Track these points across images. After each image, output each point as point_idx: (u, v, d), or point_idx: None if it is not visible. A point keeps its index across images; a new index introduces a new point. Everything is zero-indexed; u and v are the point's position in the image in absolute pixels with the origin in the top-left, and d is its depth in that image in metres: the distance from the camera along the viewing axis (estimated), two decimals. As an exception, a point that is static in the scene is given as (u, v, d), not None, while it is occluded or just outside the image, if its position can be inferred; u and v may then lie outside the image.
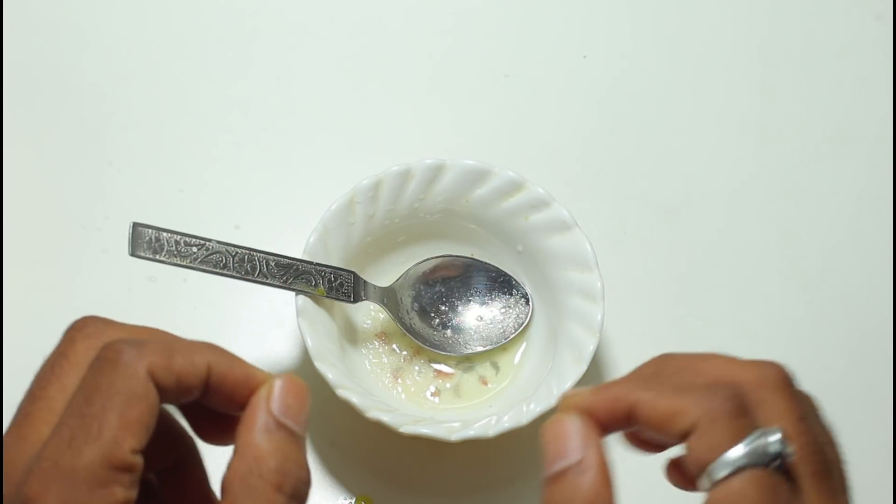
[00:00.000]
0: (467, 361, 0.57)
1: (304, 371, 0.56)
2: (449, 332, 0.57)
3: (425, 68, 0.68)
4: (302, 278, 0.52)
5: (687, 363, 0.44)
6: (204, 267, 0.50)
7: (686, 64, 0.69)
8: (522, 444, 0.55)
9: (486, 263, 0.58)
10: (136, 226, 0.49)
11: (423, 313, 0.57)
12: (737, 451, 0.40)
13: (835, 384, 0.60)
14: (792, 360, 0.60)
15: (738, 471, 0.40)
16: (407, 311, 0.56)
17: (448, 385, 0.56)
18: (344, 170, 0.62)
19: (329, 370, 0.51)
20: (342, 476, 0.55)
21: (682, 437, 0.41)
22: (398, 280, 0.57)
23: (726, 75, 0.68)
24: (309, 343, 0.51)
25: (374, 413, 0.50)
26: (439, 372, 0.56)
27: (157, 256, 0.49)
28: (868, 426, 0.59)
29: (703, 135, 0.67)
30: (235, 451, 0.40)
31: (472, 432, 0.50)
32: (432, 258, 0.58)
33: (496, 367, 0.57)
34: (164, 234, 0.49)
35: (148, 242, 0.49)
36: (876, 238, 0.64)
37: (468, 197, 0.57)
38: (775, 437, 0.40)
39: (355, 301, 0.54)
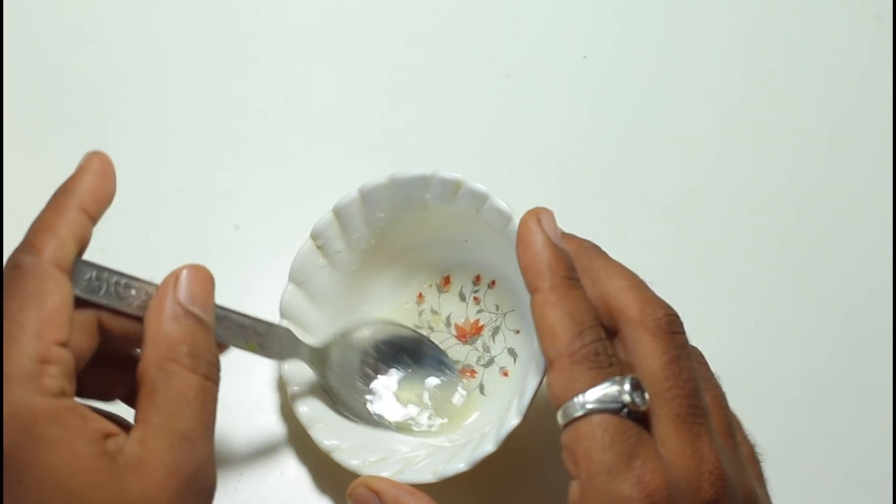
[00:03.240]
0: (487, 355, 0.56)
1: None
2: (373, 405, 0.55)
3: (425, 68, 0.68)
4: (237, 334, 0.49)
5: (599, 272, 0.47)
6: (137, 314, 0.46)
7: (686, 64, 0.69)
8: (524, 442, 0.54)
9: (431, 345, 0.56)
10: (78, 264, 0.45)
11: (350, 380, 0.55)
12: (588, 395, 0.43)
13: (835, 384, 0.60)
14: (792, 359, 0.61)
15: (589, 414, 0.42)
16: (335, 373, 0.54)
17: (474, 385, 0.56)
18: (344, 169, 0.62)
19: (324, 439, 0.52)
20: (348, 477, 0.55)
21: (546, 360, 0.44)
22: (329, 342, 0.54)
23: (726, 75, 0.69)
24: (300, 411, 0.52)
25: (369, 470, 0.51)
26: (464, 372, 0.56)
27: (92, 297, 0.45)
28: (868, 426, 0.59)
29: (703, 134, 0.67)
30: (145, 341, 0.43)
31: (459, 465, 0.50)
32: (370, 324, 0.56)
33: (514, 353, 0.56)
34: (106, 273, 0.46)
35: (87, 281, 0.45)
36: (876, 238, 0.64)
37: (423, 202, 0.55)
38: (627, 385, 0.43)
39: (284, 359, 0.52)
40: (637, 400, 0.43)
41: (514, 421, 0.48)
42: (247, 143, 0.64)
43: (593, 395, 0.42)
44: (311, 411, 0.53)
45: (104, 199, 0.46)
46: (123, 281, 0.46)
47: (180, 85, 0.66)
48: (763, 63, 0.69)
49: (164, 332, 0.43)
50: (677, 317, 0.46)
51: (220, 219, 0.62)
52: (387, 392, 0.55)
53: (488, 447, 0.49)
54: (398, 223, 0.56)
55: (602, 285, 0.46)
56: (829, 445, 0.59)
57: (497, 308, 0.57)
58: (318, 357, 0.53)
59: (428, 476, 0.50)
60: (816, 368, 0.61)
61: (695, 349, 0.48)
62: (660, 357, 0.44)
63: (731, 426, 0.47)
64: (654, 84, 0.68)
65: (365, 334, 0.55)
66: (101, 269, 0.46)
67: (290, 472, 0.55)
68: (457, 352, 0.57)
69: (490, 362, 0.56)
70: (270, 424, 0.56)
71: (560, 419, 0.43)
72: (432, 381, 0.56)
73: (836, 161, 0.66)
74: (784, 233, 0.64)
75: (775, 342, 0.61)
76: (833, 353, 0.61)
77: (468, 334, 0.57)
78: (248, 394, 0.56)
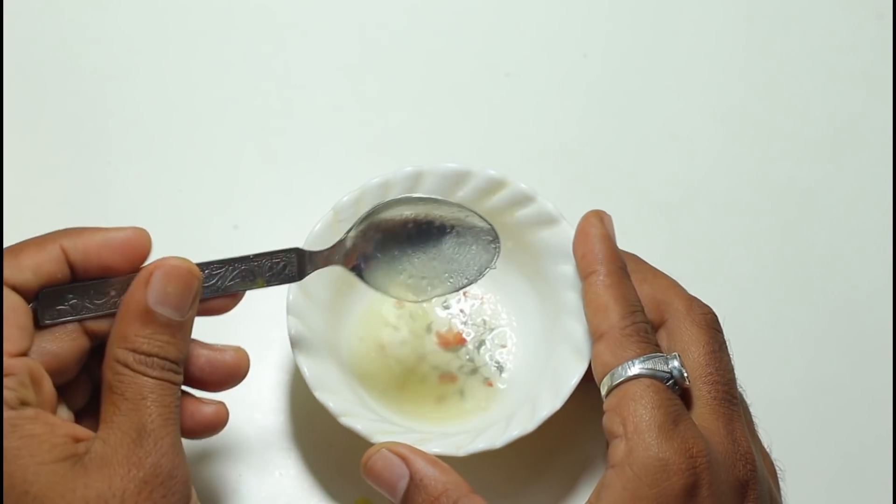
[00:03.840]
0: (471, 364, 0.56)
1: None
2: (415, 276, 0.53)
3: (425, 67, 0.67)
4: (243, 279, 0.49)
5: (647, 273, 0.51)
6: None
7: (685, 62, 0.69)
8: (532, 441, 0.54)
9: (444, 201, 0.52)
10: (42, 293, 0.45)
11: (382, 260, 0.52)
12: (638, 362, 0.46)
13: (835, 384, 0.60)
14: (792, 358, 0.61)
15: (638, 377, 0.46)
16: (363, 259, 0.52)
17: (453, 390, 0.56)
18: (343, 169, 0.62)
19: (330, 399, 0.50)
20: (347, 477, 0.55)
21: (596, 335, 0.48)
22: (350, 231, 0.52)
23: (726, 74, 0.68)
24: (307, 374, 0.51)
25: (379, 437, 0.49)
26: (443, 378, 0.56)
27: (75, 317, 0.46)
28: (868, 427, 0.59)
29: (702, 133, 0.67)
30: (109, 338, 0.44)
31: (481, 444, 0.50)
32: (384, 204, 0.52)
33: (500, 367, 0.56)
34: (76, 289, 0.46)
35: (61, 306, 0.46)
36: (876, 237, 0.64)
37: (452, 199, 0.55)
38: (673, 360, 0.46)
39: (301, 277, 0.50)
40: (684, 374, 0.46)
41: (556, 404, 0.50)
42: (246, 143, 0.64)
43: (642, 363, 0.46)
44: (318, 375, 0.51)
45: (98, 259, 0.46)
46: (99, 287, 0.46)
47: (180, 85, 0.66)
48: (764, 62, 0.69)
49: (121, 335, 0.44)
50: (717, 317, 0.50)
51: (220, 219, 0.62)
52: (417, 263, 0.53)
53: (527, 427, 0.50)
54: None
55: (651, 283, 0.50)
56: (829, 445, 0.59)
57: (484, 323, 0.57)
58: (335, 253, 0.51)
59: (453, 450, 0.49)
60: (816, 368, 0.61)
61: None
62: (703, 346, 0.48)
63: (756, 432, 0.50)
64: (653, 83, 0.68)
65: (385, 215, 0.52)
66: (69, 288, 0.46)
67: (290, 472, 0.55)
68: (438, 357, 0.56)
69: (474, 371, 0.56)
70: (270, 424, 0.56)
71: (606, 385, 0.46)
72: (453, 243, 0.53)
73: (837, 160, 0.66)
74: (784, 232, 0.64)
75: (775, 342, 0.61)
76: (833, 354, 0.61)
77: (451, 343, 0.57)
78: (247, 394, 0.56)
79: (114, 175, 0.63)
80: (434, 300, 0.57)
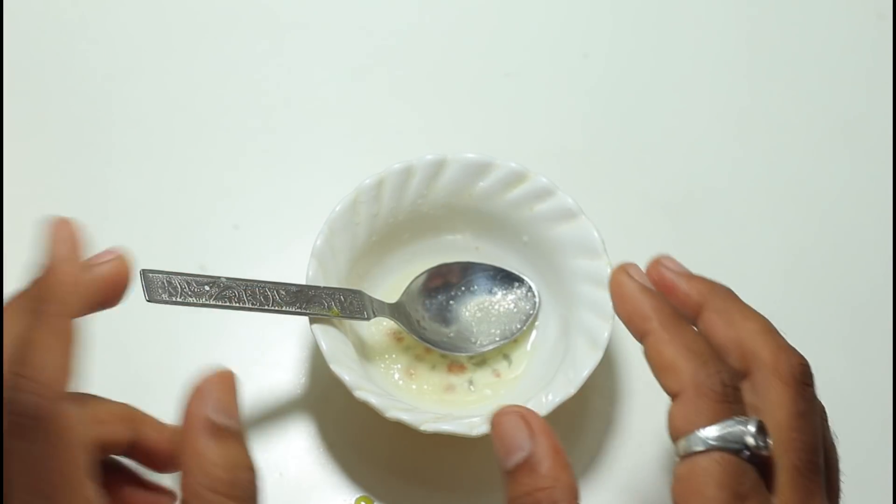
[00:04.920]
0: (479, 356, 0.56)
1: (317, 373, 0.56)
2: (462, 334, 0.56)
3: (426, 67, 0.67)
4: (314, 302, 0.52)
5: (735, 314, 0.46)
6: (219, 303, 0.49)
7: (686, 62, 0.69)
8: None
9: (482, 263, 0.58)
10: (145, 273, 0.47)
11: (433, 321, 0.57)
12: (710, 431, 0.41)
13: (835, 382, 0.60)
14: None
15: (709, 450, 0.41)
16: (417, 321, 0.56)
17: (462, 380, 0.56)
18: (344, 169, 0.62)
19: (346, 373, 0.50)
20: (353, 475, 0.55)
21: (670, 395, 0.43)
22: (402, 296, 0.57)
23: (727, 73, 0.68)
24: (323, 346, 0.51)
25: (393, 413, 0.49)
26: (452, 367, 0.56)
27: (174, 299, 0.48)
28: (868, 426, 0.59)
29: (704, 132, 0.67)
30: (183, 465, 0.40)
31: None
32: (429, 269, 0.57)
33: (508, 359, 0.56)
34: (175, 277, 0.48)
35: (162, 287, 0.48)
36: (876, 237, 0.64)
37: (471, 190, 0.56)
38: (752, 427, 0.41)
39: (369, 318, 0.54)
40: (760, 444, 0.42)
41: (569, 390, 0.50)
42: (246, 142, 0.64)
43: (716, 432, 0.42)
44: (334, 350, 0.52)
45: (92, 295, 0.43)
46: (194, 279, 0.49)
47: (181, 85, 0.66)
48: (764, 62, 0.69)
49: (199, 455, 0.40)
50: (810, 367, 0.45)
51: (220, 218, 0.62)
52: (464, 323, 0.57)
53: (540, 412, 0.49)
54: (431, 209, 0.57)
55: (738, 327, 0.45)
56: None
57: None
58: (397, 311, 0.56)
59: (466, 430, 0.50)
60: (818, 370, 0.61)
61: (820, 405, 0.47)
62: (789, 407, 0.43)
63: (839, 490, 0.46)
64: (654, 83, 0.68)
65: (429, 279, 0.57)
66: (169, 273, 0.48)
67: (290, 474, 0.55)
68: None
69: (482, 363, 0.56)
70: (269, 426, 0.56)
71: (679, 451, 0.42)
72: (495, 295, 0.58)
73: (838, 160, 0.66)
74: (785, 231, 0.64)
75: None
76: (835, 355, 0.61)
77: None
78: (245, 396, 0.56)
79: (114, 175, 0.63)
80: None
